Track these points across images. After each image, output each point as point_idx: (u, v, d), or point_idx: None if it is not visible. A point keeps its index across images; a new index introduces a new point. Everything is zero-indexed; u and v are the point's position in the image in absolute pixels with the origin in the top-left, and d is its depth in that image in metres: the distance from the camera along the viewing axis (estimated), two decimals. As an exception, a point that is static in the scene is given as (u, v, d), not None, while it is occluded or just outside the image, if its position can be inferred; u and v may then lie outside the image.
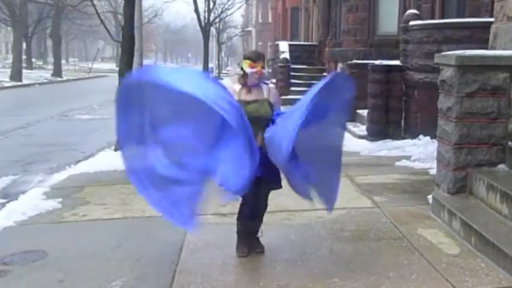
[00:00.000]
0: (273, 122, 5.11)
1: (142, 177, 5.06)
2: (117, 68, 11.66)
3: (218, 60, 54.67)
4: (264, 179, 5.09)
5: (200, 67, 43.38)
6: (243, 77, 5.23)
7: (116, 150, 10.52)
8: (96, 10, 12.09)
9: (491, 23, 8.48)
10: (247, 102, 5.10)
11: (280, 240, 5.79)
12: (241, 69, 5.26)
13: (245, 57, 5.31)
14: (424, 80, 11.08)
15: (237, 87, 5.22)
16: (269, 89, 5.33)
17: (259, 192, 5.25)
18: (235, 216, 5.90)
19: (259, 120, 5.05)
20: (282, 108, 5.36)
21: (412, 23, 11.84)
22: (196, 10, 34.47)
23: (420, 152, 9.99)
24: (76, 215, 6.88)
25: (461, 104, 6.34)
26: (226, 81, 5.51)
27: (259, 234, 5.54)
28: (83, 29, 61.38)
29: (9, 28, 52.45)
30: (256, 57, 5.23)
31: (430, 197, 6.83)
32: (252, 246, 5.50)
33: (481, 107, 6.34)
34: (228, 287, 4.73)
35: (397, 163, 9.53)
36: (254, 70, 5.15)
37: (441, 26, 10.93)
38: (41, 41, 67.74)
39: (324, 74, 22.40)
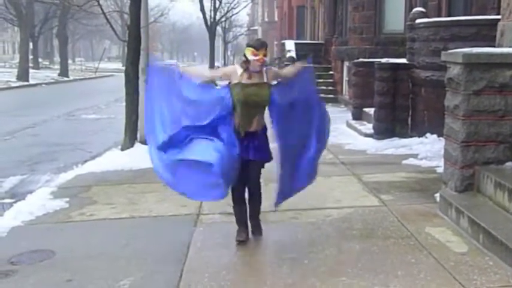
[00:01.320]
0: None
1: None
2: (124, 68, 11.67)
3: (224, 59, 54.76)
4: (255, 161, 5.48)
5: (206, 66, 43.45)
6: (245, 63, 5.40)
7: (122, 149, 10.54)
8: (102, 10, 12.10)
9: (498, 20, 8.45)
10: (246, 86, 5.33)
11: (287, 238, 5.78)
12: (244, 55, 5.44)
13: (248, 45, 5.50)
14: (431, 77, 11.05)
15: (239, 70, 5.43)
16: (267, 72, 5.48)
17: (250, 173, 5.52)
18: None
19: (258, 104, 5.37)
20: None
21: (418, 20, 11.80)
22: (202, 9, 34.56)
23: (427, 150, 9.97)
24: (83, 215, 6.89)
25: (469, 102, 6.32)
26: (231, 65, 5.65)
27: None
28: (89, 29, 61.55)
29: (15, 28, 52.71)
30: (259, 45, 5.39)
31: (437, 195, 6.81)
32: (254, 229, 5.75)
33: (488, 104, 6.32)
34: (235, 286, 4.72)
35: (404, 161, 9.51)
36: (256, 58, 5.32)
37: (448, 24, 10.89)
38: (48, 41, 67.95)
39: (330, 72, 22.42)
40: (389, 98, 12.12)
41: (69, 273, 5.04)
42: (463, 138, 6.37)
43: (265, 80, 5.41)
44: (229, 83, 5.40)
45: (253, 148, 5.43)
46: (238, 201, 5.65)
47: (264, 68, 5.45)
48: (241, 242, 5.59)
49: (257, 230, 5.78)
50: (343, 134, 13.27)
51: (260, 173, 5.61)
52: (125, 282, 4.83)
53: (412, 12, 12.53)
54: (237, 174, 5.35)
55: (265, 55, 5.37)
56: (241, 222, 5.71)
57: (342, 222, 6.30)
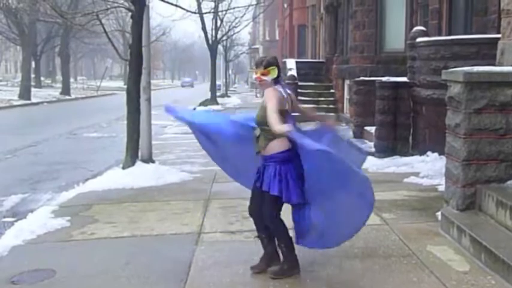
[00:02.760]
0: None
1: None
2: (125, 86, 11.71)
3: (226, 78, 54.86)
4: (262, 191, 5.15)
5: (207, 85, 43.62)
6: None
7: (124, 168, 10.54)
8: (104, 29, 12.14)
9: (498, 39, 8.49)
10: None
11: (289, 257, 5.75)
12: None
13: None
14: (432, 96, 11.08)
15: None
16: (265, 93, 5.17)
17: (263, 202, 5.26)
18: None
19: (258, 124, 5.13)
20: None
21: (419, 39, 11.85)
22: (204, 28, 34.66)
23: (428, 169, 9.96)
24: (84, 233, 6.88)
25: (470, 121, 6.33)
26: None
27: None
28: (91, 48, 61.84)
29: (18, 47, 52.92)
30: (256, 64, 5.21)
31: (439, 213, 6.80)
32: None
33: (489, 123, 6.33)
34: (237, 305, 4.70)
35: (405, 180, 9.50)
36: (254, 76, 5.18)
37: (448, 43, 10.94)
38: (50, 60, 68.22)
39: (332, 90, 22.47)
40: (390, 117, 12.15)
41: (70, 293, 5.03)
42: (464, 156, 6.37)
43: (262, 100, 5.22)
44: None
45: (262, 175, 5.16)
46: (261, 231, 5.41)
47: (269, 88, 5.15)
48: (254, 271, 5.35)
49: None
50: (345, 153, 13.25)
51: (270, 207, 5.16)
52: (126, 301, 4.81)
53: (412, 31, 12.59)
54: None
55: (263, 74, 5.08)
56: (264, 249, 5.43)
57: (344, 240, 6.28)
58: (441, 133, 7.41)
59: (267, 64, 5.10)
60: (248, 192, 5.49)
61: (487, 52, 9.43)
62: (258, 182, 5.18)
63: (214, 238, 6.52)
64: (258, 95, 42.50)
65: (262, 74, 5.08)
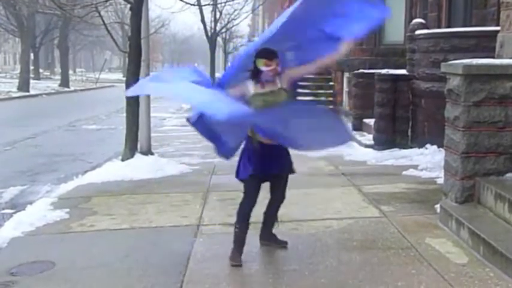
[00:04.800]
0: None
1: None
2: (124, 78, 11.69)
3: (224, 70, 54.78)
4: (280, 175, 5.48)
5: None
6: (257, 75, 5.23)
7: (123, 160, 10.55)
8: (103, 21, 12.13)
9: (497, 31, 8.47)
10: (263, 94, 5.20)
11: (288, 250, 5.76)
12: (255, 67, 5.21)
13: (259, 56, 5.21)
14: (431, 89, 11.06)
15: (250, 84, 5.24)
16: (281, 78, 5.30)
17: (276, 186, 5.55)
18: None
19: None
20: None
21: (418, 32, 11.83)
22: (203, 20, 34.58)
23: (427, 161, 9.96)
24: (83, 226, 6.89)
25: (469, 113, 6.33)
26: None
27: (275, 226, 5.78)
28: (90, 40, 61.68)
29: (17, 39, 52.78)
30: (271, 56, 5.19)
31: (437, 206, 6.81)
32: (276, 241, 5.75)
33: (488, 115, 6.33)
34: (236, 298, 4.71)
35: (404, 172, 9.50)
36: (269, 68, 5.15)
37: (447, 35, 10.92)
38: (49, 52, 68.09)
39: (331, 83, 22.42)
40: (389, 109, 12.13)
41: (69, 285, 5.04)
42: (463, 149, 6.37)
43: (279, 86, 5.28)
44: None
45: (277, 159, 5.35)
46: (244, 218, 5.44)
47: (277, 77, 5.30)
48: (237, 266, 5.37)
49: (281, 242, 5.80)
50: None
51: (286, 183, 5.60)
52: (125, 293, 4.83)
53: (412, 24, 12.56)
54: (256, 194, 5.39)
55: (277, 64, 5.20)
56: (241, 244, 5.47)
57: (343, 233, 6.30)
58: (440, 126, 7.41)
59: (277, 55, 5.24)
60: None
61: (486, 45, 9.41)
62: (269, 166, 5.34)
63: (213, 230, 6.53)
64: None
65: (277, 65, 5.22)
